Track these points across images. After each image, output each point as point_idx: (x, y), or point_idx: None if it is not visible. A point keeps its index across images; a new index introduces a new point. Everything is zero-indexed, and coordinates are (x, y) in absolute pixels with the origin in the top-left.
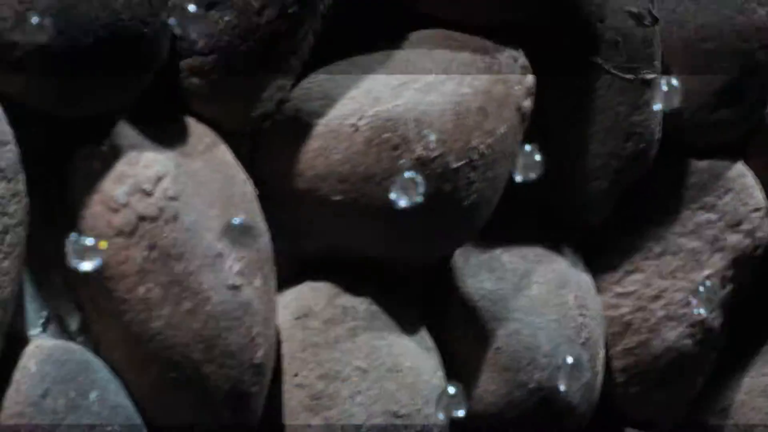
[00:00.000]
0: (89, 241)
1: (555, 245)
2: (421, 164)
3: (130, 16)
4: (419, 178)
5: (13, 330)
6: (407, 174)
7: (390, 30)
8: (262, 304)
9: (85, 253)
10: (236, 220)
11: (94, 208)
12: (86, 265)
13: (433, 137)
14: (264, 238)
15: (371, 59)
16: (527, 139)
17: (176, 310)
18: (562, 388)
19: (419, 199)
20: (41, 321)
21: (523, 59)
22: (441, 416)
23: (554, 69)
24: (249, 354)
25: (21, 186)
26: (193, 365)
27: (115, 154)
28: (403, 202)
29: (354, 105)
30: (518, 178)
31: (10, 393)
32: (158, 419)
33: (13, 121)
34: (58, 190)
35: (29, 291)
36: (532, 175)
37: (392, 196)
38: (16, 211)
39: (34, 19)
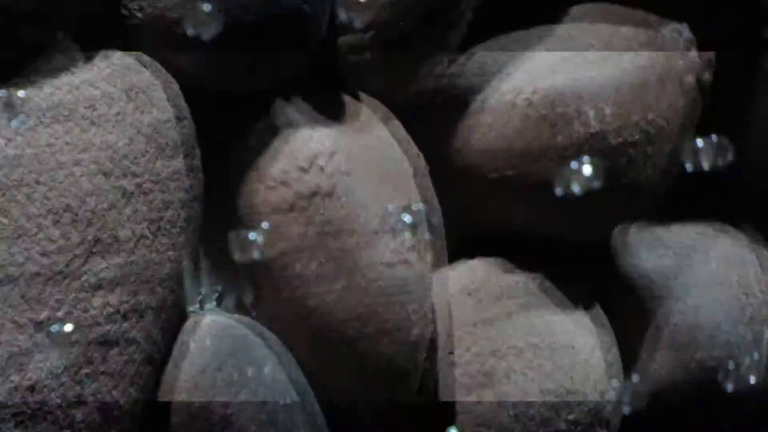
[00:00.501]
0: (252, 236)
1: (720, 223)
2: (580, 141)
3: None
4: (591, 165)
5: (189, 304)
6: (579, 161)
7: (550, 4)
8: (419, 281)
9: (248, 246)
10: (416, 206)
11: (253, 186)
12: (250, 256)
13: (593, 113)
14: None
15: (531, 34)
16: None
17: (333, 287)
18: (731, 367)
19: (593, 185)
20: (216, 296)
21: (687, 33)
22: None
23: (724, 45)
24: (405, 331)
25: (197, 161)
26: (349, 342)
27: (277, 131)
28: (576, 189)
29: (513, 81)
30: (688, 167)
31: (186, 367)
32: (324, 395)
33: (188, 97)
34: (223, 168)
35: (204, 266)
36: (706, 165)
37: (558, 190)
38: (192, 186)
39: (206, 6)
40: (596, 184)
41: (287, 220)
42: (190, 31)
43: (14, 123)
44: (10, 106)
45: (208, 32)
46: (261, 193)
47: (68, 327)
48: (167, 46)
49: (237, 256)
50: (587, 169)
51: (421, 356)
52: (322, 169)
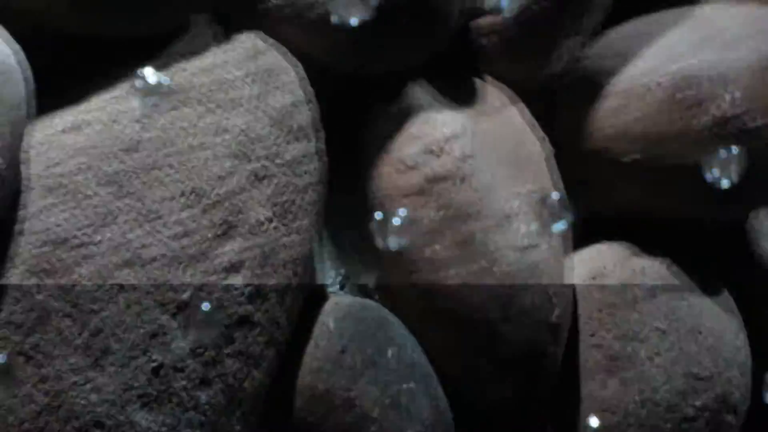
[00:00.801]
0: (395, 221)
1: None
2: (715, 124)
3: None
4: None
5: (312, 287)
6: (726, 152)
7: None
8: (555, 264)
9: (390, 231)
10: (555, 195)
11: (386, 169)
12: (392, 243)
13: (729, 97)
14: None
15: (667, 16)
16: None
17: (468, 269)
18: None
19: (737, 177)
20: (339, 278)
21: None
22: None
23: None
24: (545, 314)
25: (321, 145)
26: (488, 324)
27: (406, 115)
28: (724, 183)
29: (649, 63)
30: None
31: (310, 349)
32: (453, 377)
33: (313, 81)
34: (354, 150)
35: (328, 249)
36: None
37: (708, 177)
38: (316, 169)
39: None
40: (741, 173)
41: (417, 204)
42: (336, 18)
43: (149, 102)
44: (147, 90)
45: (356, 17)
46: (391, 176)
47: (205, 305)
48: (298, 30)
49: (379, 242)
50: (735, 158)
51: (562, 339)
52: (452, 152)
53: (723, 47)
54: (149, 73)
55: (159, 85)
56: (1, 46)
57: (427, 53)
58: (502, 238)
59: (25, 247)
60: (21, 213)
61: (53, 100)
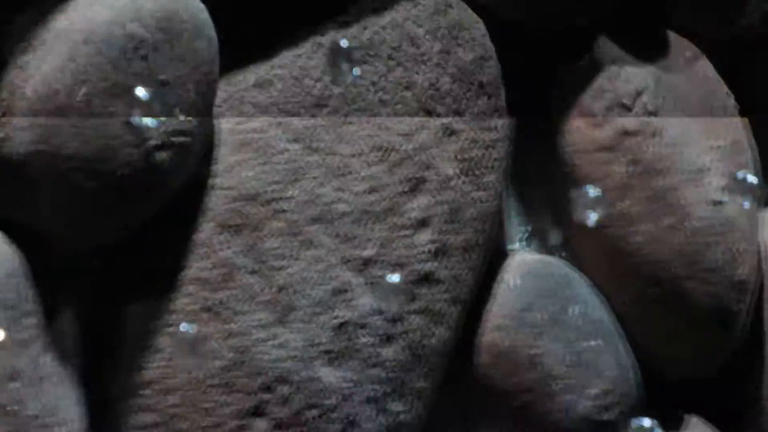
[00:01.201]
0: (592, 192)
1: None
2: None
3: None
4: None
5: (496, 244)
6: None
7: None
8: (746, 220)
9: (591, 204)
10: (741, 174)
11: (575, 124)
12: (593, 217)
13: None
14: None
15: None
16: None
17: (657, 225)
18: None
19: None
20: (523, 236)
21: None
22: None
23: None
24: (731, 271)
25: (502, 102)
26: (674, 281)
27: (595, 69)
28: None
29: None
30: None
31: (493, 306)
32: (638, 335)
33: (495, 37)
34: (538, 106)
35: (512, 206)
36: None
37: None
38: (501, 125)
39: None
40: None
41: (609, 158)
42: None
43: (354, 72)
44: (347, 57)
45: None
46: (581, 131)
47: (394, 277)
48: None
49: (577, 215)
50: None
51: (746, 297)
52: (645, 106)
53: None
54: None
55: (348, 49)
56: (194, 2)
57: (614, 7)
58: (694, 192)
59: (217, 203)
60: (213, 168)
61: (236, 57)
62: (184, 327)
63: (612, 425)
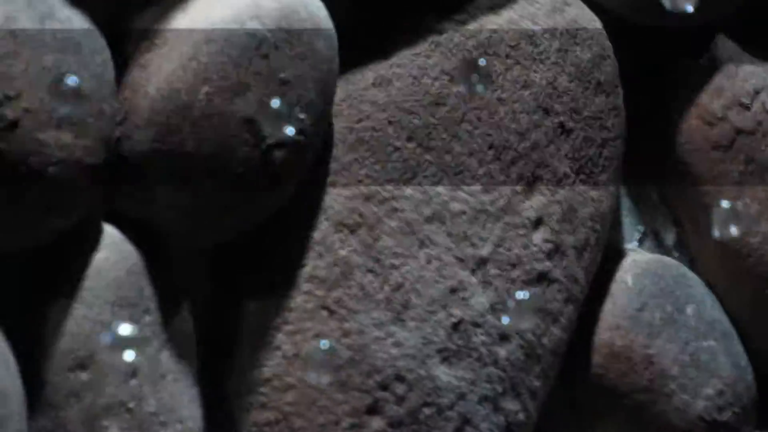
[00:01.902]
0: (728, 206)
1: None
2: None
3: None
4: None
5: (610, 244)
6: None
7: None
8: None
9: (730, 220)
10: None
11: (691, 122)
12: (734, 232)
13: None
14: None
15: None
16: None
17: None
18: None
19: None
20: (637, 236)
21: None
22: None
23: None
24: None
25: (619, 100)
26: None
27: (713, 68)
28: None
29: None
30: None
31: (608, 305)
32: (753, 335)
33: (613, 36)
34: (653, 105)
35: (626, 205)
36: None
37: None
38: (614, 124)
39: None
40: None
41: (724, 157)
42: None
43: (480, 88)
44: (481, 73)
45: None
46: (698, 129)
47: (523, 294)
48: None
49: (716, 232)
50: None
51: None
52: (764, 105)
53: None
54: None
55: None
56: (314, 0)
57: (733, 5)
58: None
59: (333, 201)
60: (332, 166)
61: (355, 56)
62: (323, 344)
63: (726, 425)
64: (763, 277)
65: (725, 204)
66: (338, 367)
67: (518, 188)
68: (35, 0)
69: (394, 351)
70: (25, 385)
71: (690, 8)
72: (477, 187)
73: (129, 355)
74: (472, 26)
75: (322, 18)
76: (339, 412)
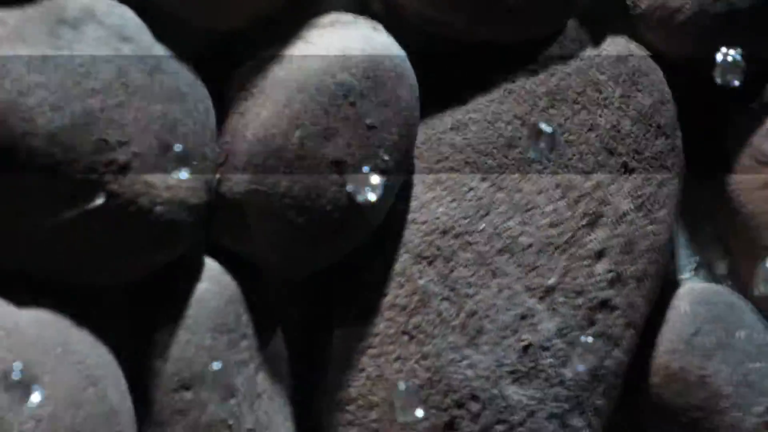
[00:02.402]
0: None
1: None
2: None
3: None
4: None
5: (667, 274)
6: None
7: None
8: None
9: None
10: None
11: (745, 161)
12: None
13: None
14: None
15: None
16: None
17: None
18: None
19: None
20: (692, 266)
21: None
22: None
23: None
24: None
25: (678, 142)
26: None
27: (765, 111)
28: None
29: None
30: None
31: (665, 331)
32: None
33: (671, 83)
34: (709, 145)
35: (682, 238)
36: None
37: None
38: (673, 164)
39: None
40: None
41: None
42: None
43: (539, 153)
44: (549, 141)
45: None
46: (749, 169)
47: (588, 339)
48: (663, 33)
49: (760, 288)
50: None
51: None
52: None
53: None
54: (545, 127)
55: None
56: (397, 50)
57: None
58: None
59: (413, 235)
60: (412, 204)
61: (434, 103)
62: (402, 385)
63: None
64: None
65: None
66: (419, 387)
67: (582, 223)
68: (145, 55)
69: (469, 372)
70: (135, 404)
71: (737, 82)
72: (544, 222)
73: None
74: (542, 75)
75: (406, 69)
76: (420, 428)
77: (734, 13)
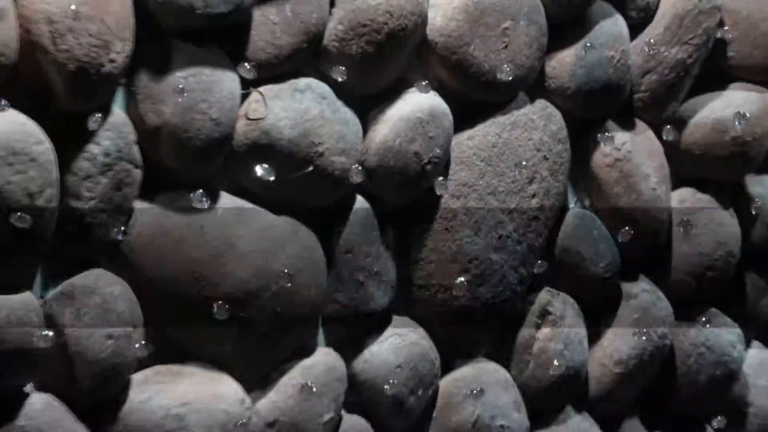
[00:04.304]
0: None
1: None
2: None
3: None
4: None
5: (563, 205)
6: None
7: None
8: None
9: None
10: None
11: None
12: None
13: None
14: None
15: None
16: None
17: None
18: None
19: None
20: (575, 201)
21: None
22: None
23: None
24: None
25: (569, 146)
26: None
27: None
28: None
29: None
30: None
31: (561, 232)
32: None
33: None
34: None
35: (570, 188)
36: None
37: None
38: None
39: None
40: None
41: None
42: None
43: None
44: None
45: None
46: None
47: None
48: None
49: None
50: None
51: None
52: None
53: None
54: None
55: None
56: (443, 103)
57: None
58: None
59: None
60: (451, 177)
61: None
62: None
63: None
64: None
65: None
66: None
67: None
68: (335, 105)
69: (474, 247)
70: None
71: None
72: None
73: None
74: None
75: (446, 108)
76: None
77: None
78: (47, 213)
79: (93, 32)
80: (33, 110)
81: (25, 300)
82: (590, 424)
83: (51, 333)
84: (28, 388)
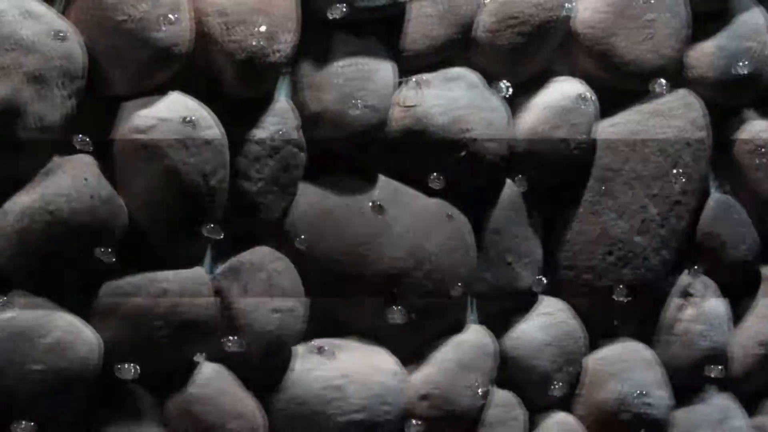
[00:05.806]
0: None
1: None
2: None
3: None
4: None
5: None
6: None
7: None
8: None
9: None
10: None
11: None
12: None
13: None
14: None
15: None
16: None
17: None
18: None
19: None
20: None
21: None
22: None
23: None
24: None
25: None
26: None
27: None
28: None
29: None
30: None
31: None
32: None
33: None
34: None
35: None
36: None
37: None
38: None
39: None
40: None
41: None
42: None
43: None
44: None
45: None
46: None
47: None
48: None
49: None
50: None
51: None
52: None
53: None
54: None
55: None
56: (582, 87)
57: None
58: None
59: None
60: None
61: None
62: None
63: None
64: None
65: None
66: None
67: None
68: (477, 88)
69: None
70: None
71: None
72: None
73: None
74: None
75: (591, 95)
76: None
77: None
78: (219, 192)
79: (261, 24)
80: (205, 97)
81: (196, 274)
82: (732, 403)
83: (219, 304)
84: (199, 357)
